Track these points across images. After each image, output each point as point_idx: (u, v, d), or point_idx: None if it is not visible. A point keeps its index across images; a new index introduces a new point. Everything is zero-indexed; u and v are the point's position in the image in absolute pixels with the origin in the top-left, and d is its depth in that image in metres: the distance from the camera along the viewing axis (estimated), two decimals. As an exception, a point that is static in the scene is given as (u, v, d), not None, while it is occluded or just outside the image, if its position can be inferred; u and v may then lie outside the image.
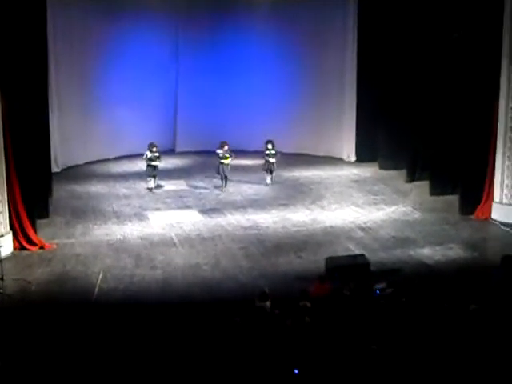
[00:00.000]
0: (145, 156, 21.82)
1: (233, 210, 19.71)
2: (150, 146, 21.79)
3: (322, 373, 9.14)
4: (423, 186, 21.31)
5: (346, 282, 12.66)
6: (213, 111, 26.66)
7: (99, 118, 25.30)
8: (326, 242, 16.97)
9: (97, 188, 22.17)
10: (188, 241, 17.11)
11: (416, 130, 21.47)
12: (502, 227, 17.79)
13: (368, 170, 24.24)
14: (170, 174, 23.70)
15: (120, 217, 19.03)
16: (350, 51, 25.21)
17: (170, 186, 22.40)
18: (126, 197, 21.14)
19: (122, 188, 22.17)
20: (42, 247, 16.41)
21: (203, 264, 15.56)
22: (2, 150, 15.50)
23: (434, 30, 20.01)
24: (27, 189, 16.46)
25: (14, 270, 15.00)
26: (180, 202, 20.68)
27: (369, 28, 23.94)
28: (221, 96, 26.77)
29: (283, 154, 23.13)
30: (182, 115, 27.26)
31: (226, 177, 21.84)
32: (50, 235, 17.24)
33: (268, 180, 22.43)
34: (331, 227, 18.14)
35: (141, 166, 23.21)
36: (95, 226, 18.16)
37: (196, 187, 22.29)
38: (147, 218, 18.91)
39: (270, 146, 22.15)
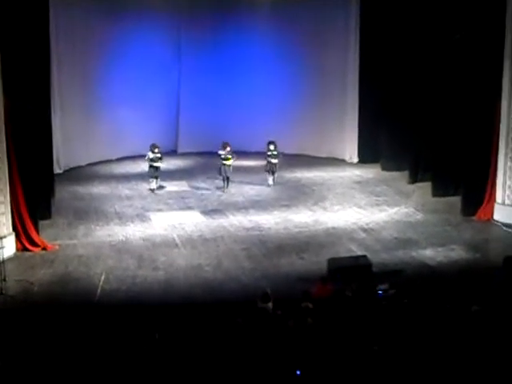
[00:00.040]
0: (147, 157, 21.79)
1: (235, 211, 19.69)
2: (152, 147, 21.76)
3: (324, 374, 9.14)
4: (425, 187, 21.28)
5: (348, 283, 12.68)
6: (215, 112, 26.61)
7: (101, 119, 25.28)
8: (328, 243, 16.96)
9: (99, 189, 22.15)
10: (190, 242, 17.10)
11: (418, 131, 21.46)
12: (504, 228, 17.78)
13: (370, 171, 24.20)
14: (172, 175, 23.66)
15: (122, 218, 19.02)
16: (352, 52, 25.17)
17: (172, 186, 22.37)
18: (128, 198, 21.13)
19: (124, 189, 22.14)
20: (44, 248, 16.40)
21: (205, 265, 15.55)
22: (5, 151, 15.50)
23: (437, 30, 20.01)
24: (29, 190, 16.47)
25: (17, 271, 15.01)
26: (182, 203, 20.66)
27: (371, 29, 23.93)
28: (223, 96, 26.74)
29: (285, 155, 23.12)
30: (184, 116, 27.22)
31: (227, 178, 21.81)
32: (52, 236, 17.23)
33: (270, 181, 22.38)
34: (333, 228, 18.12)
35: (143, 166, 23.17)
36: (97, 227, 18.15)
37: (198, 188, 22.26)
38: (149, 219, 18.90)
39: (272, 147, 22.08)
